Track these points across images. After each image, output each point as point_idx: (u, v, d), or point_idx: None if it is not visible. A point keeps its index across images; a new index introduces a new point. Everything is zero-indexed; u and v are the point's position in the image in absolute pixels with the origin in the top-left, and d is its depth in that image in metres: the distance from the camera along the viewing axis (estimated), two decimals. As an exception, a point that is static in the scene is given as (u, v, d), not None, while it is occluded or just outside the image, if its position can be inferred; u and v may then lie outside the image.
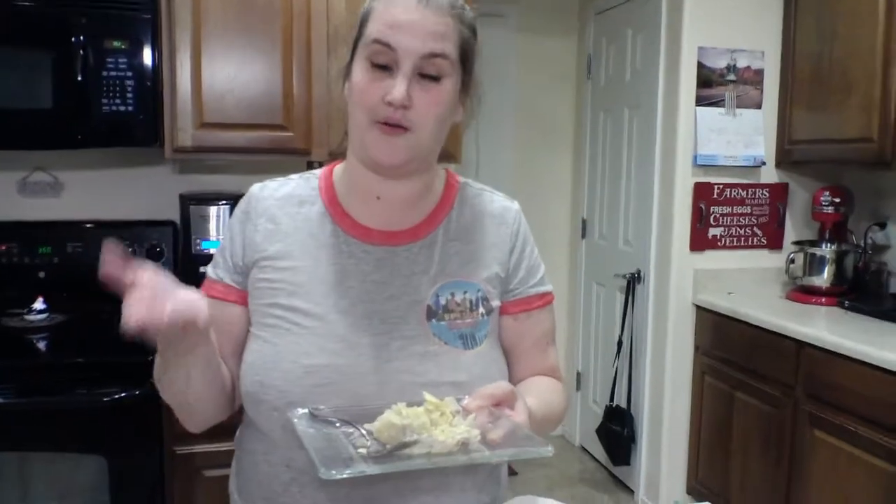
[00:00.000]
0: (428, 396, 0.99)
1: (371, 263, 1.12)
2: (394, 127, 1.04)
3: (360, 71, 1.06)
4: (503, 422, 0.97)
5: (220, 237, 2.47)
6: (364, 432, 0.96)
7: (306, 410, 1.02)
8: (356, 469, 0.88)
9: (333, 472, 0.86)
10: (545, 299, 1.24)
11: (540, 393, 1.17)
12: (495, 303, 1.17)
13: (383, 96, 1.03)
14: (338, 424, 0.99)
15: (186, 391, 1.09)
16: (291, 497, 1.09)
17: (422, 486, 1.08)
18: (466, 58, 1.10)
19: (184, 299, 0.93)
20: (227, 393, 1.15)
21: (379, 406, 0.98)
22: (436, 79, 1.05)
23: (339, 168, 1.20)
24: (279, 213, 1.16)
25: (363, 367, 1.08)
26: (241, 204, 1.20)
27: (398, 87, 1.02)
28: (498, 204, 1.23)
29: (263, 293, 1.13)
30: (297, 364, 1.07)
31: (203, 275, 1.19)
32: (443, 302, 1.13)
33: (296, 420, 1.00)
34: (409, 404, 0.97)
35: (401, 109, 1.03)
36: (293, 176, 1.22)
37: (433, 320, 1.12)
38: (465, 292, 1.14)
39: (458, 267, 1.16)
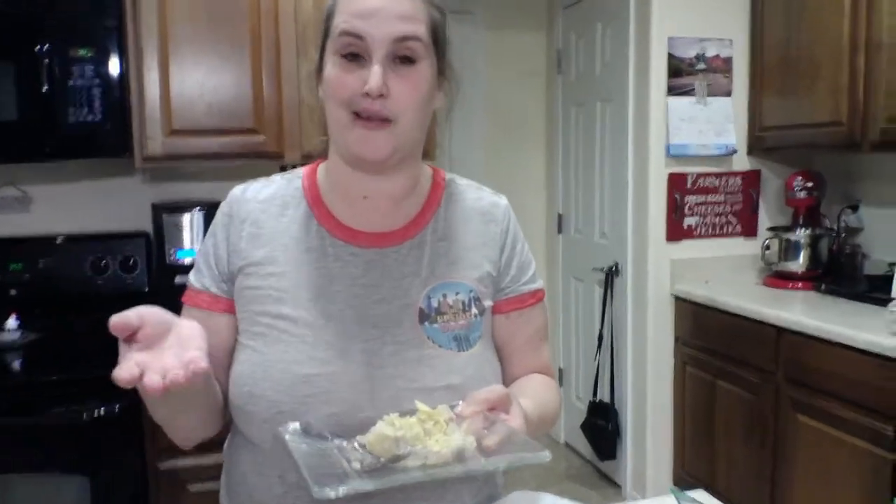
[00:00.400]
0: (420, 406, 0.96)
1: (359, 266, 1.09)
2: (375, 121, 1.01)
3: (331, 66, 1.03)
4: (498, 427, 0.94)
5: (195, 246, 2.43)
6: (357, 445, 0.93)
7: (297, 425, 0.98)
8: (350, 485, 0.85)
9: (328, 489, 0.83)
10: (537, 296, 1.22)
11: (535, 393, 1.14)
12: (487, 302, 1.15)
13: (360, 87, 0.99)
14: (330, 438, 0.96)
15: (177, 418, 1.07)
16: None
17: (416, 496, 1.04)
18: (439, 40, 1.07)
19: (185, 363, 0.84)
20: (219, 409, 1.12)
21: (371, 416, 0.95)
22: (411, 62, 1.02)
23: (322, 167, 1.16)
24: (262, 216, 1.12)
25: (355, 374, 1.05)
26: (224, 207, 1.15)
27: (374, 76, 0.99)
28: (486, 200, 1.21)
29: (250, 300, 1.09)
30: (288, 374, 1.04)
31: (179, 285, 1.15)
32: (435, 304, 1.10)
33: (287, 436, 0.96)
34: (402, 414, 0.95)
35: (379, 99, 0.99)
36: (275, 177, 1.18)
37: (426, 323, 1.09)
38: (456, 293, 1.12)
39: (449, 267, 1.13)
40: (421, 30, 1.02)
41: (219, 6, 2.39)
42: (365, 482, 0.86)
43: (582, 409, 3.87)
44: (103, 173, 2.69)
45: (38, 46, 2.23)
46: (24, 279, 2.52)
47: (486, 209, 1.19)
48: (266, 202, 1.13)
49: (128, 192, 2.72)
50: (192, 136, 2.41)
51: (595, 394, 3.77)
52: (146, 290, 2.59)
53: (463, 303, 1.12)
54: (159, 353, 0.86)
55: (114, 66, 2.31)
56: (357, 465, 0.90)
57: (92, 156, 2.43)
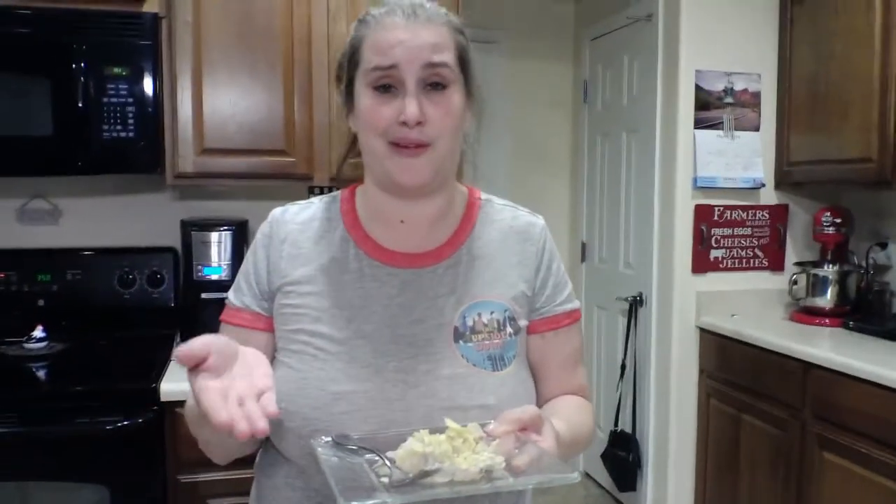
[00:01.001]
0: (450, 423, 0.96)
1: (395, 286, 1.11)
2: (413, 148, 1.03)
3: (365, 98, 1.05)
4: (529, 448, 0.94)
5: (222, 263, 2.45)
6: (387, 461, 0.94)
7: (329, 439, 1.00)
8: (376, 499, 0.86)
9: (354, 502, 0.84)
10: (573, 317, 1.21)
11: (568, 415, 1.13)
12: (523, 322, 1.15)
13: (395, 117, 1.02)
14: (361, 453, 0.97)
15: (218, 436, 1.04)
16: None
17: None
18: (465, 63, 1.10)
19: (264, 408, 0.85)
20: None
21: (404, 433, 0.96)
22: (442, 87, 1.05)
23: (359, 191, 1.18)
24: (301, 237, 1.14)
25: (390, 392, 1.06)
26: (264, 228, 1.18)
27: (410, 106, 1.01)
28: (523, 220, 1.21)
29: (288, 319, 1.11)
30: (324, 391, 1.05)
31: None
32: (469, 323, 1.11)
33: (319, 449, 0.97)
34: (433, 431, 0.95)
35: (417, 127, 1.02)
36: (314, 199, 1.21)
37: (460, 342, 1.10)
38: (491, 312, 1.12)
39: (484, 286, 1.13)
40: (448, 56, 1.05)
41: (252, 29, 2.42)
42: (391, 496, 0.87)
43: (602, 438, 3.83)
44: (134, 189, 2.72)
45: (74, 64, 2.27)
46: (52, 290, 2.54)
47: (522, 228, 1.20)
48: (305, 224, 1.16)
49: (157, 208, 2.74)
50: (222, 155, 2.43)
51: (616, 423, 3.73)
52: (172, 305, 2.61)
53: (498, 322, 1.12)
54: (229, 380, 0.87)
55: (147, 85, 2.34)
56: (385, 480, 0.90)
57: (123, 171, 2.46)
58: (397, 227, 1.13)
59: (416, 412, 1.05)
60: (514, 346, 1.13)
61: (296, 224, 1.16)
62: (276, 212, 1.19)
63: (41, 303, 2.53)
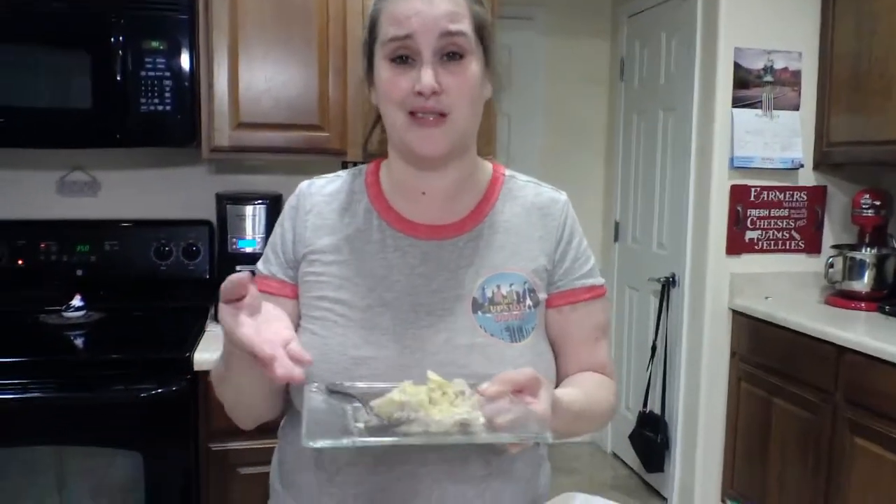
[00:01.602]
0: (432, 375, 0.97)
1: (417, 257, 1.12)
2: (431, 119, 1.04)
3: (383, 70, 1.06)
4: (517, 408, 0.93)
5: (256, 236, 2.48)
6: (368, 408, 0.96)
7: (323, 384, 1.02)
8: (338, 440, 0.90)
9: (315, 441, 0.88)
10: (593, 292, 1.20)
11: (584, 388, 1.14)
12: (542, 295, 1.15)
13: (412, 88, 1.03)
14: (351, 401, 0.99)
15: (243, 394, 1.11)
16: (341, 482, 1.08)
17: (432, 486, 1.06)
18: (483, 33, 1.09)
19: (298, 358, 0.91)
20: (281, 390, 1.15)
21: (392, 385, 0.97)
22: (459, 57, 1.05)
23: (384, 165, 1.20)
24: (327, 209, 1.17)
25: (408, 359, 1.08)
26: (291, 200, 1.21)
27: (426, 76, 1.02)
28: (546, 196, 1.21)
29: (311, 286, 1.14)
30: (345, 356, 1.07)
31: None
32: (489, 294, 1.12)
33: (313, 391, 1.00)
34: (417, 383, 0.96)
35: (433, 96, 1.03)
36: (341, 172, 1.23)
37: (479, 312, 1.11)
38: (511, 284, 1.13)
39: (504, 259, 1.14)
40: (465, 25, 1.05)
41: (288, 5, 2.42)
42: (351, 439, 0.91)
43: (631, 419, 3.83)
44: (170, 162, 2.76)
45: (113, 38, 2.30)
46: (91, 261, 2.60)
47: (544, 204, 1.20)
48: (330, 196, 1.18)
49: (193, 181, 2.78)
50: (257, 129, 2.45)
51: (645, 404, 3.72)
52: (207, 276, 2.65)
53: (517, 294, 1.13)
54: (265, 325, 0.93)
55: (185, 59, 2.36)
56: (361, 426, 0.93)
57: (160, 145, 2.49)
58: (419, 198, 1.14)
59: None
60: (534, 319, 1.14)
61: (322, 196, 1.18)
62: (304, 185, 1.21)
63: (80, 273, 2.58)
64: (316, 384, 1.02)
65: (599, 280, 1.22)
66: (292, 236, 1.17)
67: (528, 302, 1.14)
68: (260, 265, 1.20)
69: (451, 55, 1.04)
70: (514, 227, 1.17)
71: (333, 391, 1.01)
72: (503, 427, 0.90)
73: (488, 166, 1.22)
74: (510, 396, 0.94)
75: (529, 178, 1.25)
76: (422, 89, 1.02)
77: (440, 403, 0.94)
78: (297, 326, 1.14)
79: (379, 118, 1.16)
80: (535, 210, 1.19)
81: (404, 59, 1.04)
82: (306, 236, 1.16)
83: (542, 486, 1.22)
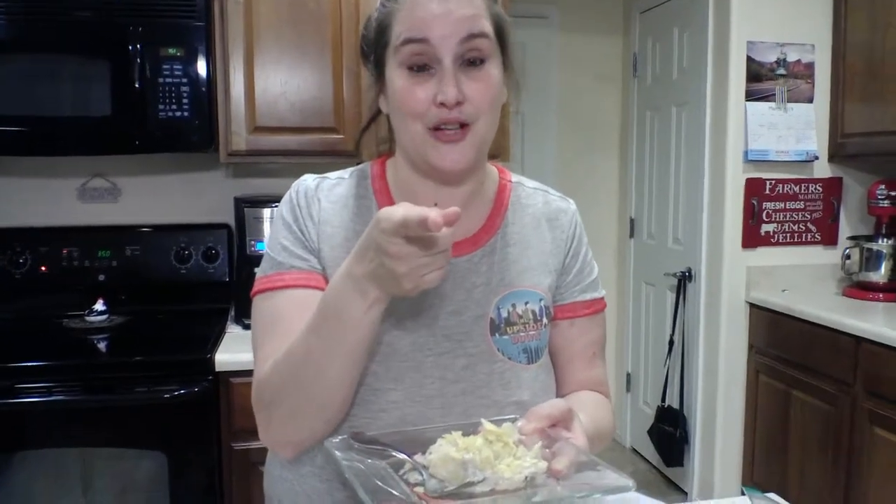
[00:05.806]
0: (487, 425, 0.89)
1: None
2: (454, 133, 0.98)
3: (398, 79, 0.99)
4: (564, 448, 0.88)
5: (274, 238, 2.50)
6: (420, 468, 0.86)
7: (342, 437, 0.92)
8: None
9: None
10: (594, 307, 1.16)
11: (587, 410, 1.07)
12: (552, 310, 1.11)
13: (432, 99, 0.96)
14: (381, 453, 0.89)
15: (325, 378, 0.96)
16: None
17: None
18: (503, 34, 1.03)
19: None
20: (350, 395, 1.02)
21: (423, 430, 0.91)
22: (480, 62, 0.98)
23: (390, 169, 1.12)
24: (335, 218, 1.08)
25: (429, 389, 1.03)
26: (296, 198, 1.09)
27: (448, 87, 0.95)
28: (554, 205, 1.17)
29: None
30: (365, 386, 1.02)
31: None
32: (504, 314, 1.07)
33: (338, 453, 0.88)
34: (465, 432, 0.88)
35: (456, 107, 0.96)
36: (343, 174, 1.13)
37: (496, 335, 1.06)
38: (526, 303, 1.08)
39: (518, 274, 1.09)
40: (486, 26, 0.99)
41: (302, 10, 2.46)
42: None
43: (649, 414, 3.84)
44: (189, 167, 2.80)
45: (131, 46, 2.34)
46: (112, 266, 2.64)
47: (553, 214, 1.16)
48: (338, 203, 1.09)
49: (211, 185, 2.82)
50: (274, 133, 2.49)
51: (663, 399, 3.72)
52: (226, 279, 2.68)
53: (533, 312, 1.09)
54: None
55: (201, 65, 2.40)
56: (420, 490, 0.83)
57: (179, 150, 2.53)
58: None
59: (454, 409, 1.02)
60: (546, 336, 1.10)
61: (329, 202, 1.09)
62: (309, 184, 1.10)
63: (102, 278, 2.63)
64: (335, 439, 0.92)
65: (600, 293, 1.18)
66: (308, 226, 1.07)
67: (544, 320, 1.10)
68: (296, 263, 1.06)
69: (471, 61, 0.98)
70: (524, 239, 1.12)
71: (360, 441, 0.91)
72: (564, 473, 0.85)
73: (494, 172, 1.16)
74: (547, 431, 0.90)
75: (537, 184, 1.20)
76: (445, 101, 0.95)
77: (504, 457, 0.85)
78: None
79: (372, 120, 1.11)
80: (545, 221, 1.15)
81: (422, 67, 0.98)
82: (319, 246, 1.06)
83: None
